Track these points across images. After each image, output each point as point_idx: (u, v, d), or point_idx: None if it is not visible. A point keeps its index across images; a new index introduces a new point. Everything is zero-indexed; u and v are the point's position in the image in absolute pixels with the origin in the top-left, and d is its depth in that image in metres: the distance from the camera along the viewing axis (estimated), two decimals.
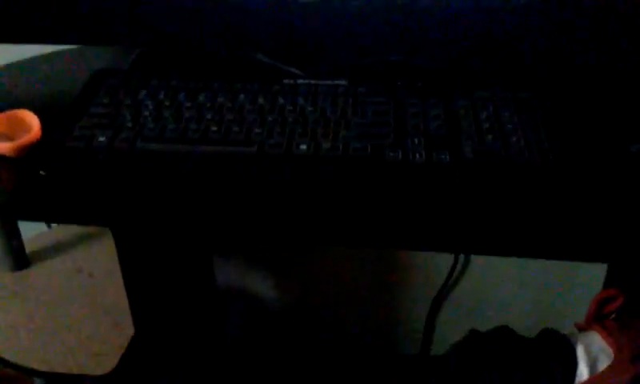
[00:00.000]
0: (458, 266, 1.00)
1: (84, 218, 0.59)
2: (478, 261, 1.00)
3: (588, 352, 0.59)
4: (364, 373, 0.93)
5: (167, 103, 0.64)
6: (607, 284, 0.77)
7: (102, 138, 0.60)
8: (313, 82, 0.68)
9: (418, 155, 0.57)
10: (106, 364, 0.82)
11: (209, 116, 0.62)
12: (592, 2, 0.65)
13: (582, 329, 0.62)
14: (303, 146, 0.58)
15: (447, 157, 0.56)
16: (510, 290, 0.98)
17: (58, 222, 0.71)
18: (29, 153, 0.59)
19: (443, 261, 1.01)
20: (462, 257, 1.00)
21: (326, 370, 1.06)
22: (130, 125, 0.61)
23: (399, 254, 1.05)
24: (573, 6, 0.66)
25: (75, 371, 0.82)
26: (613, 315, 0.61)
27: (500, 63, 0.71)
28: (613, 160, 0.57)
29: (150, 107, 0.64)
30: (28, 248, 1.00)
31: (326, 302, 1.13)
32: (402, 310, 1.09)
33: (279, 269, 1.13)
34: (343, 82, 0.68)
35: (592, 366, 0.58)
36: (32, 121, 0.61)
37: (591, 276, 0.78)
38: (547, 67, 0.70)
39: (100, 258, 0.99)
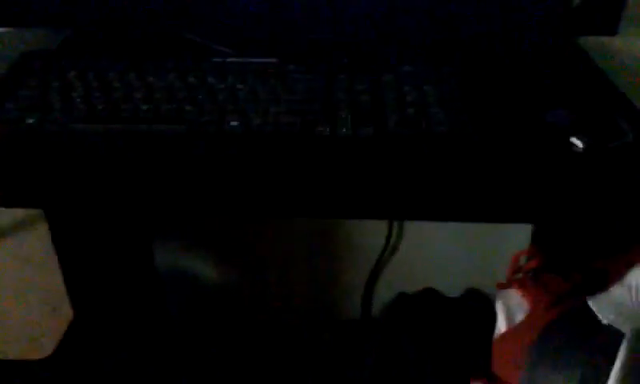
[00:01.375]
0: (393, 234, 1.04)
1: (14, 200, 0.58)
2: (411, 227, 1.04)
3: (506, 307, 0.63)
4: (305, 341, 0.96)
5: (96, 83, 0.64)
6: (532, 244, 0.82)
7: (30, 120, 0.59)
8: (242, 60, 0.69)
9: (345, 129, 0.59)
10: (45, 348, 0.82)
11: (139, 95, 0.63)
12: None
13: (503, 287, 0.66)
14: (234, 123, 0.60)
15: (372, 130, 0.59)
16: (443, 253, 1.02)
17: None
18: None
19: (379, 230, 1.05)
20: (396, 226, 1.04)
21: (269, 342, 1.08)
22: (59, 106, 0.61)
23: (335, 226, 1.08)
24: None
25: (14, 356, 0.81)
26: (531, 273, 0.66)
27: (422, 39, 0.74)
28: (527, 128, 0.61)
29: (79, 88, 0.64)
30: None
31: (266, 276, 1.15)
32: (341, 278, 1.12)
33: (217, 246, 1.14)
34: (273, 60, 0.69)
35: (510, 319, 0.62)
36: None
37: (518, 238, 0.83)
38: (468, 42, 0.74)
39: (36, 244, 0.97)
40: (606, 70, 0.74)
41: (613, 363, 0.54)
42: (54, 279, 0.89)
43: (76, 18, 0.75)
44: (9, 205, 0.57)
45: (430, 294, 0.65)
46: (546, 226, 0.76)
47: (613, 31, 0.74)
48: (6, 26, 0.78)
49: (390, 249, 1.07)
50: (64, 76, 0.66)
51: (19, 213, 1.00)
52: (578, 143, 0.58)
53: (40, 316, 0.87)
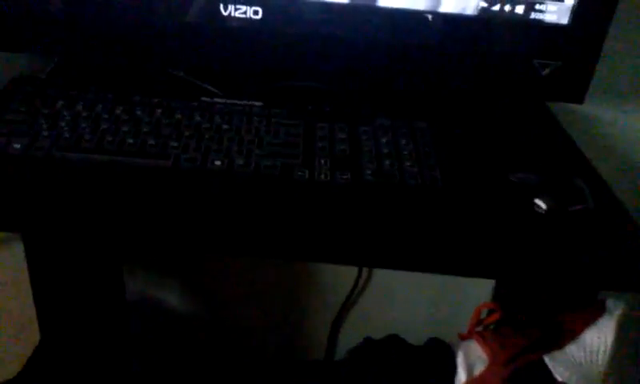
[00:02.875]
0: (362, 279, 1.06)
1: None
2: (380, 274, 1.06)
3: (467, 358, 0.65)
4: (268, 379, 0.96)
5: (85, 114, 0.66)
6: (494, 299, 0.85)
7: (16, 145, 0.61)
8: (229, 101, 0.72)
9: (323, 175, 0.62)
10: (10, 369, 0.81)
11: (125, 128, 0.64)
12: (482, 42, 0.73)
13: (464, 338, 0.68)
14: (217, 162, 0.62)
15: (349, 177, 0.62)
16: (409, 300, 1.05)
17: None
18: None
19: (348, 273, 1.07)
20: (364, 272, 1.07)
21: (232, 377, 1.08)
22: (46, 133, 0.63)
23: (305, 267, 1.09)
24: (463, 45, 0.73)
25: None
26: (491, 326, 0.68)
27: (401, 93, 0.77)
28: (494, 187, 0.64)
29: (67, 117, 0.65)
30: None
31: (234, 311, 1.16)
32: (307, 319, 1.13)
33: (187, 279, 1.15)
34: (258, 104, 0.72)
35: (469, 370, 0.64)
36: None
37: (480, 291, 0.86)
38: (442, 100, 0.77)
39: (7, 265, 0.97)
40: (573, 135, 0.79)
41: None
42: (24, 301, 0.89)
43: (68, 47, 0.77)
44: None
45: (394, 340, 0.67)
46: (507, 282, 0.79)
47: (580, 99, 0.78)
48: None
49: (357, 293, 1.09)
50: (52, 104, 0.67)
51: None
52: (542, 204, 0.61)
53: (5, 337, 0.86)
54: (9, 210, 0.57)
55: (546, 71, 0.74)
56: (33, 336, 0.87)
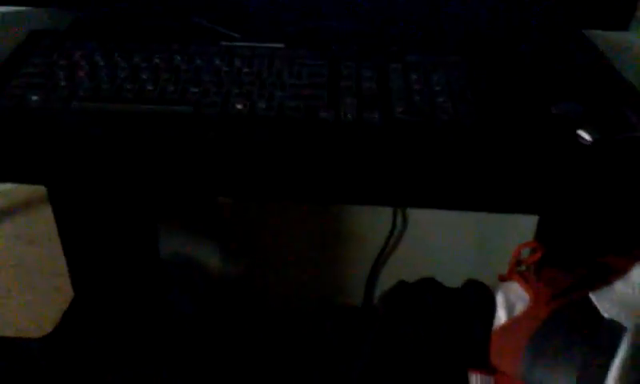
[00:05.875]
0: (397, 225, 1.04)
1: (17, 176, 0.58)
2: (416, 219, 1.04)
3: (507, 299, 0.62)
4: (304, 329, 0.96)
5: (102, 63, 0.64)
6: (537, 238, 0.81)
7: (34, 97, 0.59)
8: (250, 44, 0.69)
9: (349, 115, 0.59)
10: (45, 327, 0.82)
11: (144, 76, 0.62)
12: None
13: (504, 279, 0.66)
14: (239, 106, 0.59)
15: (378, 116, 0.58)
16: (446, 245, 1.03)
17: None
18: None
19: (384, 219, 1.05)
20: (399, 216, 1.05)
21: (269, 330, 1.08)
22: (63, 84, 0.61)
23: (340, 215, 1.08)
24: None
25: (15, 334, 0.82)
26: (533, 266, 0.66)
27: (430, 29, 0.73)
28: (534, 119, 0.60)
29: (85, 67, 0.64)
30: None
31: (269, 263, 1.15)
32: (344, 268, 1.12)
33: (220, 234, 1.14)
34: (280, 45, 0.69)
35: (510, 311, 0.62)
36: None
37: (521, 231, 0.82)
38: (476, 32, 0.73)
39: (39, 225, 0.98)
40: (615, 64, 0.74)
41: (613, 357, 0.54)
42: (57, 260, 0.90)
43: (85, 1, 0.75)
44: (11, 180, 0.57)
45: (429, 283, 0.65)
46: (549, 220, 0.75)
47: (624, 26, 0.73)
48: (16, 5, 0.78)
49: (394, 238, 1.07)
50: (70, 56, 0.66)
51: (22, 194, 1.00)
52: (586, 136, 0.57)
53: (41, 295, 0.87)
54: (30, 162, 0.56)
55: None
56: (67, 294, 0.88)
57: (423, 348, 0.61)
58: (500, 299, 0.62)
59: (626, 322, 0.56)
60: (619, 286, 0.60)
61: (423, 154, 0.56)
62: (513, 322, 0.60)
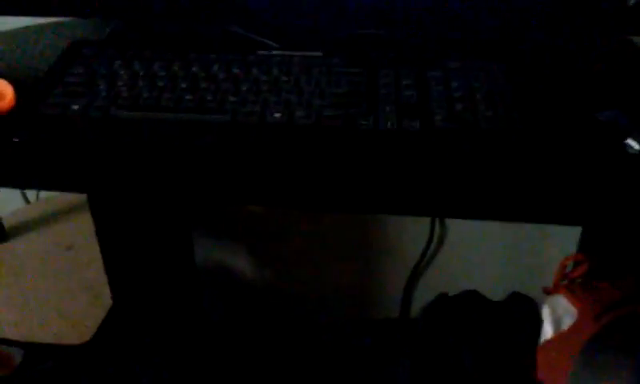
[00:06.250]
0: (436, 234, 1.03)
1: (58, 183, 0.59)
2: (455, 229, 1.02)
3: (553, 313, 0.61)
4: (342, 339, 0.95)
5: (142, 73, 0.65)
6: (580, 249, 0.79)
7: (75, 106, 0.60)
8: (287, 53, 0.69)
9: (389, 123, 0.58)
10: (84, 334, 0.83)
11: (183, 85, 0.63)
12: None
13: (549, 292, 0.64)
14: (277, 115, 0.59)
15: (418, 124, 0.57)
16: (486, 256, 1.00)
17: (32, 188, 0.71)
18: (2, 120, 0.59)
19: (422, 229, 1.03)
20: (438, 226, 1.03)
21: (303, 340, 1.07)
22: (104, 93, 0.62)
23: (378, 224, 1.06)
24: None
25: (53, 341, 0.83)
26: (579, 279, 0.64)
27: (471, 35, 0.72)
28: (579, 127, 0.58)
29: (125, 76, 0.64)
30: (7, 223, 1.01)
31: (305, 273, 1.15)
32: (381, 278, 1.11)
33: (255, 242, 1.14)
34: (317, 54, 0.69)
35: (557, 325, 0.60)
36: (6, 89, 0.61)
37: (563, 243, 0.80)
38: (519, 38, 0.72)
39: (79, 232, 0.99)
40: None
41: None
42: (96, 267, 0.91)
43: (126, 10, 0.76)
44: (53, 188, 0.58)
45: (472, 296, 0.64)
46: (594, 231, 0.73)
47: None
48: (57, 16, 0.79)
49: (432, 249, 1.05)
50: (110, 65, 0.66)
51: (63, 202, 1.02)
52: (634, 144, 0.55)
53: (80, 303, 0.88)
54: (71, 170, 0.57)
55: (632, 0, 0.67)
56: (106, 302, 0.88)
57: (465, 362, 0.60)
58: (546, 313, 0.60)
59: None
60: None
61: (463, 162, 0.54)
62: (560, 337, 0.58)
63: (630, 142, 0.55)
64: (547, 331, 0.60)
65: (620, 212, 0.53)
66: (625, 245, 0.66)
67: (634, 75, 0.70)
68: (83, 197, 0.93)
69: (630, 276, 0.61)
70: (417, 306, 1.03)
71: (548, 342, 0.60)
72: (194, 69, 0.65)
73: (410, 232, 1.05)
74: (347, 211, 0.54)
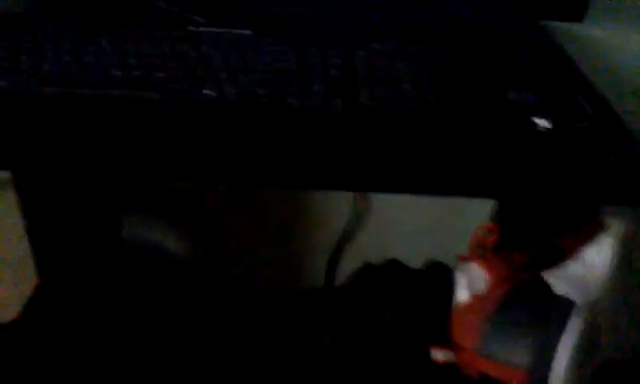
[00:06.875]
0: (359, 209, 1.06)
1: None
2: (377, 203, 1.06)
3: (467, 279, 0.65)
4: (267, 310, 0.97)
5: (67, 47, 0.64)
6: (493, 220, 0.84)
7: (1, 82, 0.58)
8: (216, 30, 0.69)
9: (316, 102, 0.60)
10: (8, 313, 0.81)
11: (111, 61, 0.62)
12: None
13: (463, 260, 0.69)
14: (206, 92, 0.60)
15: (343, 103, 0.60)
16: (407, 229, 1.05)
17: None
18: None
19: (345, 203, 1.07)
20: (361, 199, 1.06)
21: (231, 314, 1.09)
22: (27, 68, 0.61)
23: (302, 199, 1.09)
24: None
25: None
26: (491, 248, 0.68)
27: (393, 19, 0.75)
28: (492, 106, 0.62)
29: (49, 51, 0.63)
30: None
31: (231, 249, 1.16)
32: (306, 252, 1.14)
33: (181, 218, 1.14)
34: (247, 32, 0.70)
35: (470, 290, 0.64)
36: None
37: (479, 216, 0.85)
38: (436, 22, 0.75)
39: (2, 209, 0.96)
40: (571, 55, 0.76)
41: (563, 332, 0.57)
42: (17, 244, 0.89)
43: None
44: None
45: (394, 265, 0.67)
46: (506, 203, 0.78)
47: (579, 18, 0.76)
48: None
49: (355, 221, 1.09)
50: (33, 39, 0.65)
51: None
52: (541, 122, 0.60)
53: (5, 282, 0.86)
54: None
55: None
56: (31, 280, 0.87)
57: (388, 328, 0.63)
58: (460, 279, 0.65)
59: (577, 298, 0.59)
60: (572, 266, 0.63)
61: (385, 139, 0.57)
62: (473, 301, 0.63)
63: (538, 120, 0.60)
64: (461, 296, 0.65)
65: (528, 185, 0.58)
66: (531, 217, 0.72)
67: (544, 59, 0.75)
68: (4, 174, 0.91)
69: (537, 244, 0.67)
70: (341, 278, 1.07)
71: (462, 306, 0.64)
72: (121, 44, 0.65)
73: (335, 204, 1.08)
74: (276, 186, 0.56)
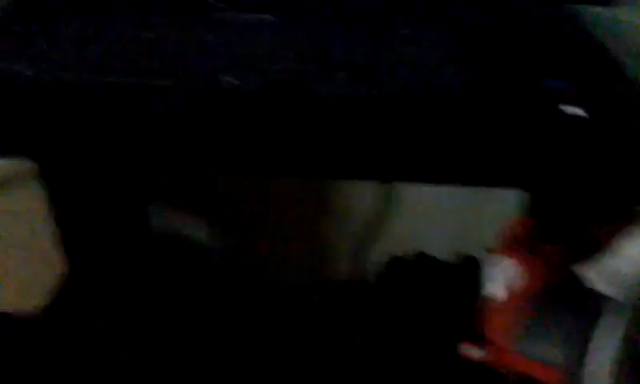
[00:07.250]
0: (383, 199, 1.05)
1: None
2: (403, 193, 1.04)
3: (501, 273, 0.63)
4: (296, 302, 0.96)
5: (89, 34, 0.63)
6: (524, 214, 0.82)
7: (19, 68, 0.58)
8: (238, 15, 0.68)
9: (341, 87, 0.58)
10: (37, 302, 0.82)
11: (132, 48, 0.61)
12: None
13: (495, 253, 0.66)
14: (227, 79, 0.59)
15: (368, 90, 0.58)
16: (433, 219, 1.03)
17: None
18: None
19: (370, 193, 1.05)
20: (387, 191, 1.05)
21: (260, 303, 1.08)
22: (51, 55, 0.60)
23: (325, 189, 1.08)
24: None
25: (6, 309, 0.82)
26: (524, 241, 0.66)
27: (420, 3, 0.72)
28: (522, 94, 0.60)
29: (71, 38, 0.63)
30: None
31: (256, 240, 1.16)
32: (330, 241, 1.13)
33: (208, 208, 1.14)
34: (269, 16, 0.68)
35: (504, 286, 0.62)
36: None
37: (510, 207, 0.83)
38: (464, 8, 0.72)
39: (29, 199, 0.97)
40: (601, 39, 0.73)
41: (596, 328, 0.55)
42: (43, 233, 0.89)
43: None
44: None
45: (422, 257, 0.66)
46: (538, 195, 0.76)
47: (607, 1, 0.73)
48: None
49: (381, 213, 1.07)
50: (54, 26, 0.64)
51: (12, 168, 0.99)
52: (574, 110, 0.57)
53: (33, 271, 0.87)
54: (19, 135, 0.55)
55: None
56: (59, 269, 0.87)
57: (417, 323, 0.62)
58: (494, 274, 0.63)
59: (616, 294, 0.56)
60: (609, 260, 0.60)
61: (411, 128, 0.55)
62: (509, 297, 0.61)
63: (570, 108, 0.57)
64: (496, 291, 0.62)
65: (561, 176, 0.55)
66: (566, 209, 0.69)
67: (574, 44, 0.71)
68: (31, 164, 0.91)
69: (570, 238, 0.64)
70: (366, 268, 1.06)
71: (496, 301, 0.62)
72: (142, 32, 0.64)
73: (361, 195, 1.07)
74: (301, 176, 0.55)
